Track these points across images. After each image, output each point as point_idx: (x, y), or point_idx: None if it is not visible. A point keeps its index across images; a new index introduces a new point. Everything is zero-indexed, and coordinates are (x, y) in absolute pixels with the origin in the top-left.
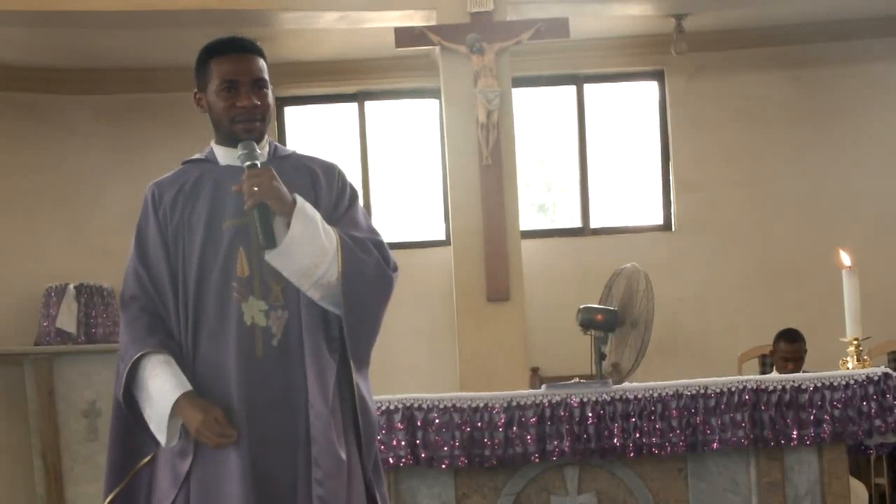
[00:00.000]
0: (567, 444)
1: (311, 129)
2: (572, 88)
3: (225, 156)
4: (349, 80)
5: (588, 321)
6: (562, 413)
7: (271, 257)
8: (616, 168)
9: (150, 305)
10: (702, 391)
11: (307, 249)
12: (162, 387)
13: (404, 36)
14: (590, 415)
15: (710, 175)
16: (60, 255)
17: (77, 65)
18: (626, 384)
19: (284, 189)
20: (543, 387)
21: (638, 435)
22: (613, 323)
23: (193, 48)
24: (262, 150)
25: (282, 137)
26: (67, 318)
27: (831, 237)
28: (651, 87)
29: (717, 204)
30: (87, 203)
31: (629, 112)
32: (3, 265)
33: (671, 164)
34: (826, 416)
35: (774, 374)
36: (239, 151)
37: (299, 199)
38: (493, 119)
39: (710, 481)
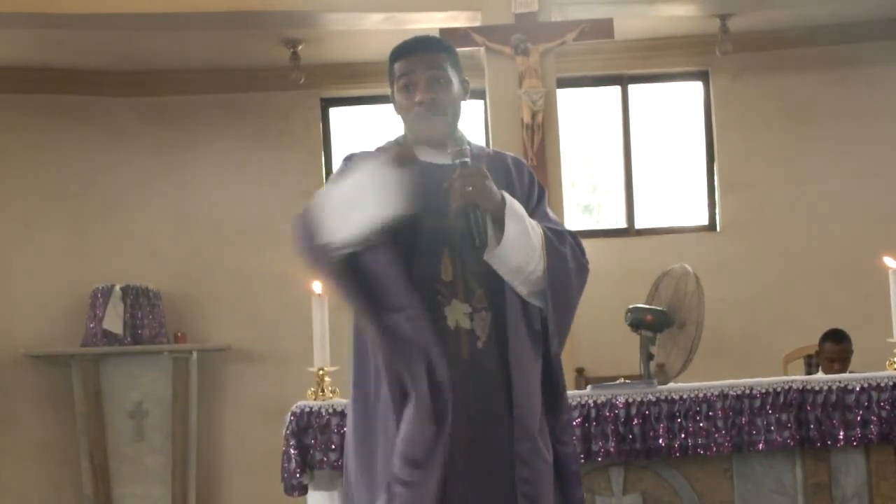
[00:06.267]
0: (612, 444)
1: (357, 131)
2: (617, 89)
3: (421, 152)
4: None
5: (638, 321)
6: (607, 414)
7: (490, 257)
8: (661, 168)
9: None
10: (747, 392)
11: (521, 247)
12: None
13: (449, 37)
14: (635, 415)
15: (755, 175)
16: (106, 257)
17: (122, 67)
18: (671, 384)
19: (495, 188)
20: (589, 387)
21: (683, 435)
22: (663, 323)
23: (238, 50)
24: (464, 147)
25: (327, 138)
26: (114, 320)
27: (877, 237)
28: (696, 88)
29: (762, 204)
30: (133, 204)
31: (674, 112)
32: (50, 267)
33: (716, 164)
34: (873, 417)
35: (820, 375)
36: (449, 149)
37: (508, 197)
38: (538, 120)
39: (756, 482)
